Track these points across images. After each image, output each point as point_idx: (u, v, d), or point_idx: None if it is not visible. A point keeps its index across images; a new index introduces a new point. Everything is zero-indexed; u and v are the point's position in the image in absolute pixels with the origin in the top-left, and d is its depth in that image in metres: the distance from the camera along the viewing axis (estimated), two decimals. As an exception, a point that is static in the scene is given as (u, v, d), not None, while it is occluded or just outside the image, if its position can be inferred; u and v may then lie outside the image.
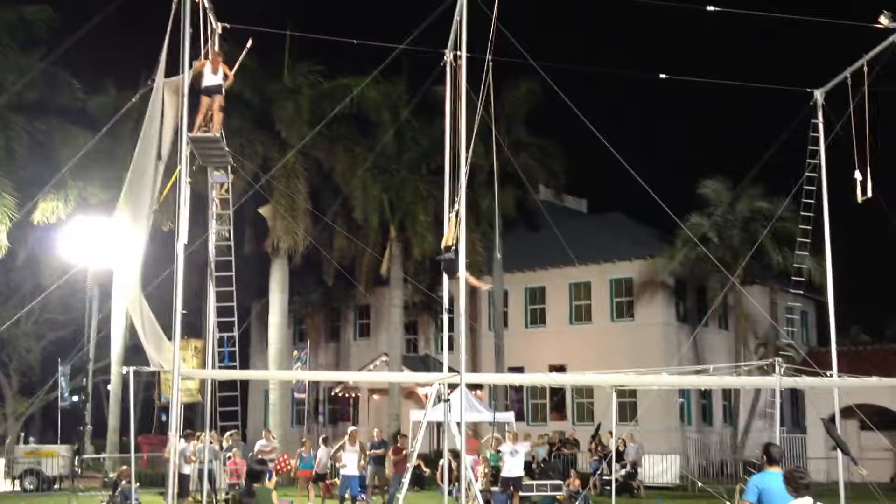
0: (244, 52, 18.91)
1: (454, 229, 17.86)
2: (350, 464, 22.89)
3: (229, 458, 23.85)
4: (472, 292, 39.74)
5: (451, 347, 22.31)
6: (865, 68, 19.30)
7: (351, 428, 25.41)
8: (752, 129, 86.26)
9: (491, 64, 17.82)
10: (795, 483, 8.38)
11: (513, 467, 22.61)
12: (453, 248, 17.68)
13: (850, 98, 19.58)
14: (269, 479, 10.79)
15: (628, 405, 34.73)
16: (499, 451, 23.55)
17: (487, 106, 19.86)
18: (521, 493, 24.22)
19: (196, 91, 17.15)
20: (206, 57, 17.70)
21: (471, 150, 17.43)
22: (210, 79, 17.39)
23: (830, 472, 29.03)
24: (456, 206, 17.63)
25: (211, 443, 20.93)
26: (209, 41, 17.91)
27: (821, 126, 20.83)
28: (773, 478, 9.23)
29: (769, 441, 11.39)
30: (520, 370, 36.05)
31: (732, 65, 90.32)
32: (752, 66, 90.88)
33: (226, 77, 17.66)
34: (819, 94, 20.96)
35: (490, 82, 18.19)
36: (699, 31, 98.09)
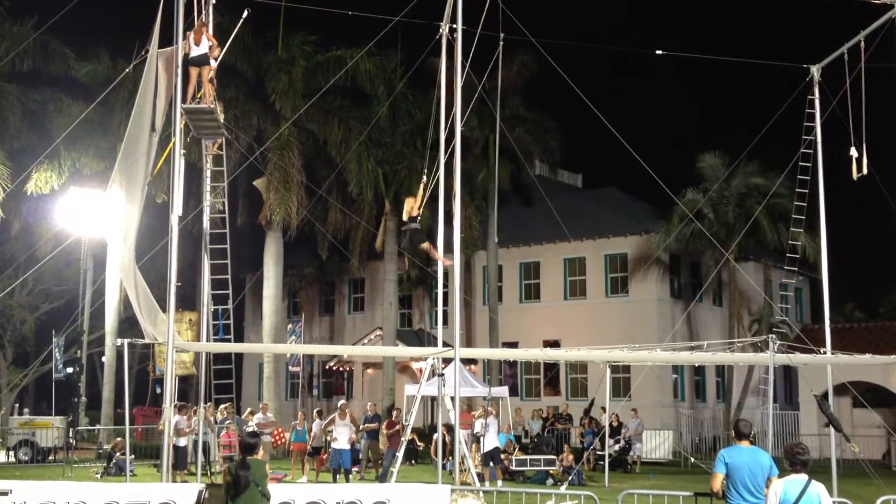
0: (239, 23, 18.80)
1: (421, 199, 17.89)
2: (341, 437, 22.93)
3: (223, 431, 23.91)
4: (467, 267, 39.83)
5: (445, 322, 22.30)
6: (862, 44, 19.24)
7: (341, 402, 25.46)
8: (749, 105, 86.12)
9: (485, 38, 17.75)
10: (793, 458, 8.46)
11: (486, 443, 22.72)
12: (419, 218, 17.71)
13: (846, 74, 19.53)
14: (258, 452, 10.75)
15: (622, 381, 34.82)
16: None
17: (486, 79, 19.82)
18: (513, 468, 24.36)
19: (183, 63, 17.08)
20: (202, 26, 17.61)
21: (462, 122, 17.40)
22: (194, 49, 17.28)
23: (823, 449, 29.19)
24: (434, 175, 17.66)
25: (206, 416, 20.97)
26: (203, 11, 17.80)
27: (817, 102, 20.77)
28: (739, 451, 9.46)
29: (739, 417, 11.54)
30: (514, 345, 36.09)
31: (730, 39, 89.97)
32: (750, 41, 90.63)
33: (211, 47, 17.53)
34: (815, 70, 20.89)
35: (500, 57, 18.15)
36: (697, 4, 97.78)
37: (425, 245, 19.56)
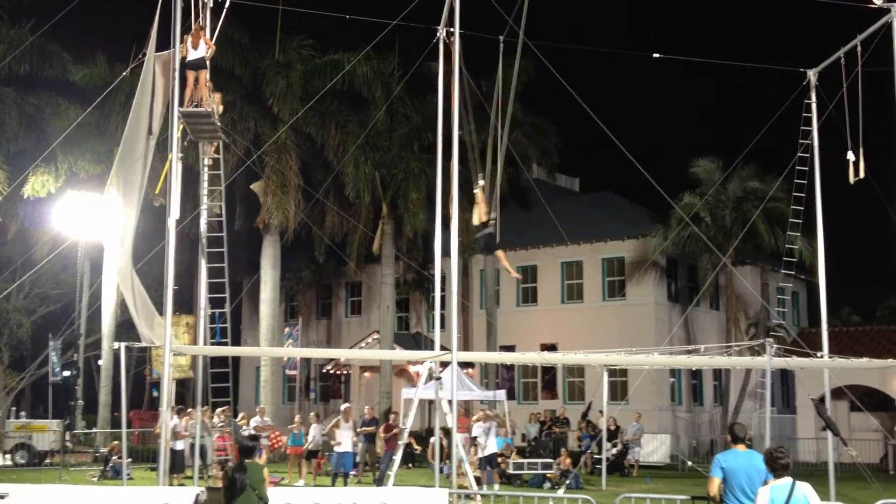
0: (222, 17, 18.80)
1: (487, 204, 17.99)
2: (345, 441, 22.96)
3: (217, 434, 23.92)
4: (465, 271, 39.84)
5: (442, 326, 22.31)
6: (859, 48, 19.26)
7: (344, 405, 25.45)
8: (746, 109, 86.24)
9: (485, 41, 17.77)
10: (774, 463, 8.40)
11: (486, 446, 22.72)
12: (491, 222, 17.76)
13: (843, 78, 19.55)
14: (260, 456, 10.78)
15: (619, 384, 34.82)
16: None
17: (484, 83, 19.83)
18: (510, 471, 24.34)
19: (181, 66, 17.11)
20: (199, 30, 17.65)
21: (488, 126, 17.43)
22: (192, 53, 17.31)
23: (820, 453, 29.21)
24: (482, 182, 17.83)
25: (203, 419, 20.95)
26: (199, 15, 17.83)
27: (814, 106, 20.79)
28: (735, 455, 9.46)
29: (734, 421, 11.55)
30: (511, 349, 36.09)
31: (727, 43, 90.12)
32: (747, 45, 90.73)
33: (207, 49, 17.56)
34: (812, 74, 20.91)
35: (501, 61, 18.18)
36: (694, 8, 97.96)
37: (500, 252, 19.78)
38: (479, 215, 18.31)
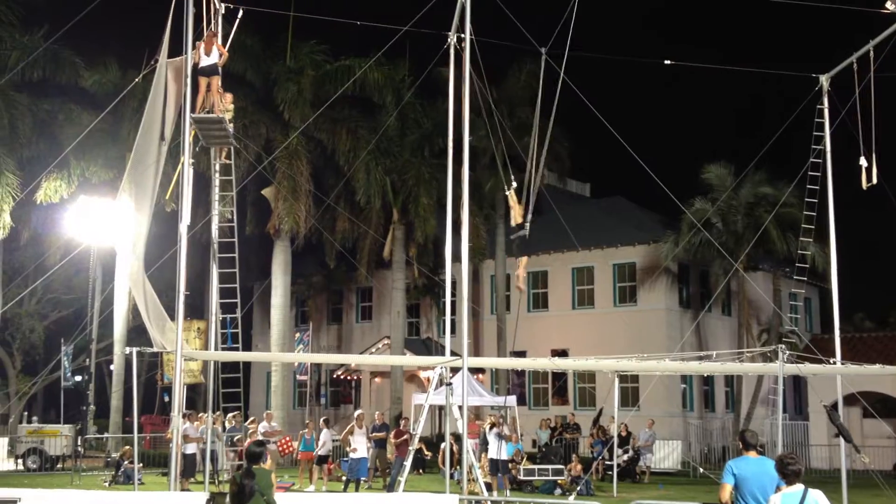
0: (235, 25, 18.87)
1: (518, 205, 18.02)
2: (360, 447, 22.98)
3: (247, 439, 24.04)
4: (475, 276, 39.84)
5: (453, 331, 22.29)
6: (871, 54, 19.21)
7: (358, 411, 25.48)
8: (758, 114, 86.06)
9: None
10: (785, 470, 8.31)
11: (501, 451, 22.71)
12: (527, 224, 17.82)
13: (855, 83, 19.49)
14: (265, 461, 10.76)
15: (630, 390, 34.73)
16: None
17: (495, 88, 19.83)
18: (521, 478, 24.29)
19: (193, 72, 17.16)
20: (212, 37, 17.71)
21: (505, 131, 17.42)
22: (204, 59, 17.36)
23: (833, 460, 29.09)
24: (515, 184, 17.91)
25: (214, 424, 20.99)
26: (212, 21, 17.89)
27: (826, 112, 20.72)
28: (747, 462, 9.40)
29: (745, 428, 11.49)
30: (522, 354, 36.04)
31: (739, 49, 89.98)
32: (759, 51, 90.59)
33: (220, 56, 17.62)
34: (825, 80, 20.84)
35: (542, 71, 18.19)
36: (706, 14, 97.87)
37: (523, 259, 19.90)
38: (514, 217, 18.41)
